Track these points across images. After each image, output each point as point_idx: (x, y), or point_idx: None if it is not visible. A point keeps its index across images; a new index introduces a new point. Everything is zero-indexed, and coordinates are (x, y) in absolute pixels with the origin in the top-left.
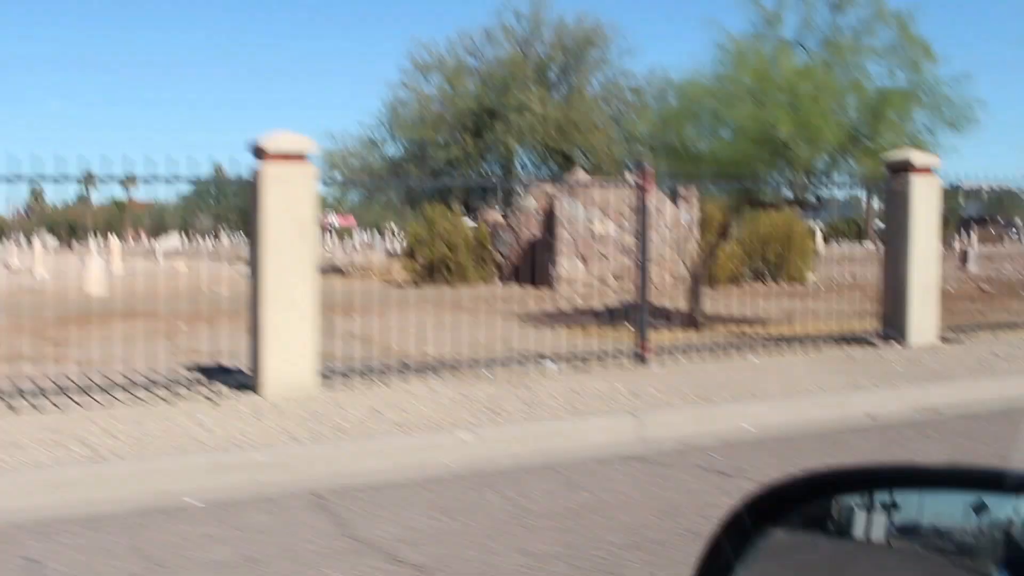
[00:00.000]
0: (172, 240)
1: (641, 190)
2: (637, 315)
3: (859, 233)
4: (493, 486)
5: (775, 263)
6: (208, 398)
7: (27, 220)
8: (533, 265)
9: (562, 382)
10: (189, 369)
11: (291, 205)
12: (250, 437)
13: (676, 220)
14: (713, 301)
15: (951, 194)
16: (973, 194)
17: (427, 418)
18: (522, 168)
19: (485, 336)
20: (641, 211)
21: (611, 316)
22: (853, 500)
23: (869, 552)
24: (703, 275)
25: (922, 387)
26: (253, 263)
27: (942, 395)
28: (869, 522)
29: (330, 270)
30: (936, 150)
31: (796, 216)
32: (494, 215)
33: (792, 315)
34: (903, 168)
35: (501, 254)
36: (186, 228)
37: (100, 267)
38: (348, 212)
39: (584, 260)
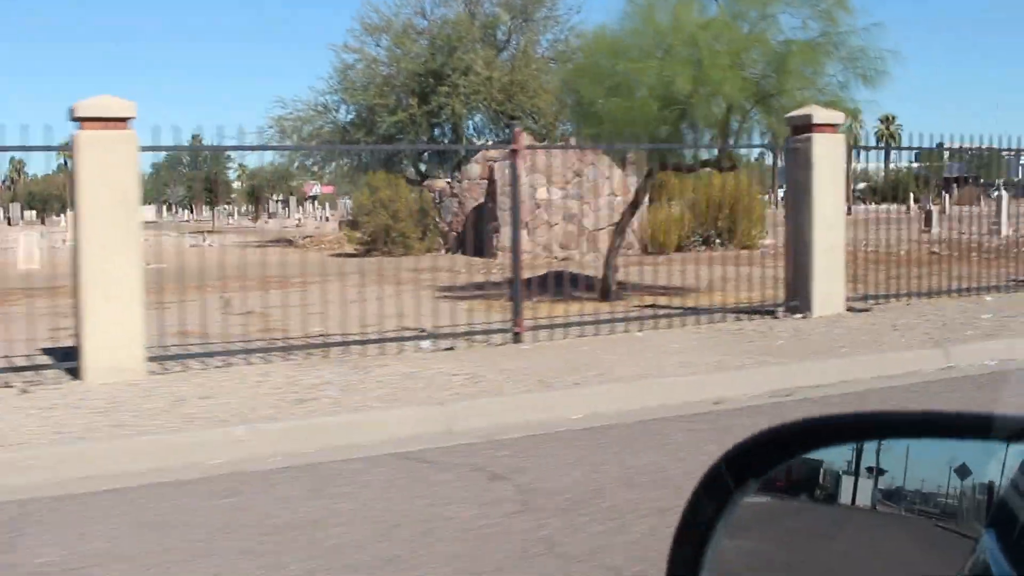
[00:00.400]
0: (147, 212)
1: (513, 154)
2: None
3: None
4: (232, 492)
5: (726, 229)
6: (24, 386)
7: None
8: (477, 234)
9: (414, 363)
10: (44, 351)
11: (108, 173)
12: (21, 432)
13: (624, 186)
14: (650, 269)
15: (933, 154)
16: (955, 154)
17: (229, 410)
18: (475, 133)
19: (387, 311)
20: (513, 178)
21: (528, 288)
22: (838, 465)
23: (854, 516)
24: (619, 244)
25: (792, 366)
26: (76, 237)
27: (808, 375)
28: (854, 486)
29: (282, 242)
30: (852, 105)
31: (748, 180)
32: (440, 183)
33: (720, 283)
34: (805, 126)
35: (447, 223)
36: (158, 199)
37: (33, 241)
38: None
39: (527, 228)
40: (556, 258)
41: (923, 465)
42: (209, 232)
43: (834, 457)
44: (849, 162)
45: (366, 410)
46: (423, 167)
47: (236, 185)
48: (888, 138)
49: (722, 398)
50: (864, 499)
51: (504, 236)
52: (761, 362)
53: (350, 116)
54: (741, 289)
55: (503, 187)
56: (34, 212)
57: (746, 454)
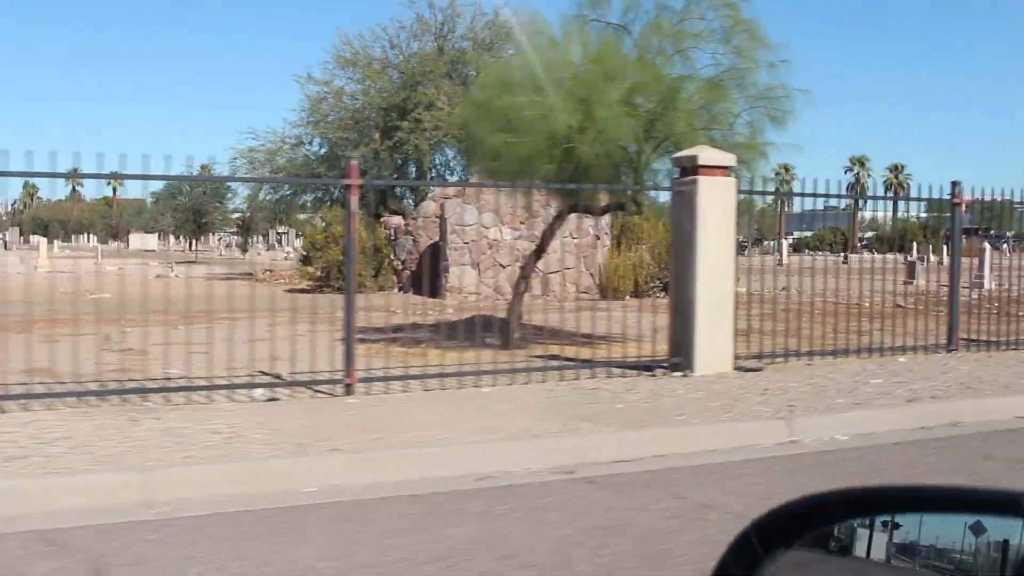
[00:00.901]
0: (150, 240)
1: (346, 189)
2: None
3: (845, 244)
4: None
5: None
6: None
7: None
8: (429, 273)
9: (201, 414)
10: None
11: None
12: None
13: (582, 228)
14: (584, 316)
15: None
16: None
17: None
18: (443, 168)
19: (265, 353)
20: (347, 213)
21: (450, 331)
22: (856, 520)
23: (869, 570)
24: (523, 290)
25: (603, 435)
26: None
27: (611, 447)
28: (871, 541)
29: (244, 275)
30: (762, 147)
31: None
32: (396, 220)
33: (641, 333)
34: (692, 167)
35: (401, 261)
36: (155, 228)
37: None
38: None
39: (478, 268)
40: (504, 300)
41: (938, 521)
42: (193, 263)
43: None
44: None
45: (68, 473)
46: (388, 203)
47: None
48: (897, 187)
49: (491, 474)
50: (879, 553)
51: (454, 276)
52: (574, 430)
53: (323, 149)
54: (659, 341)
55: (454, 225)
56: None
57: (778, 522)
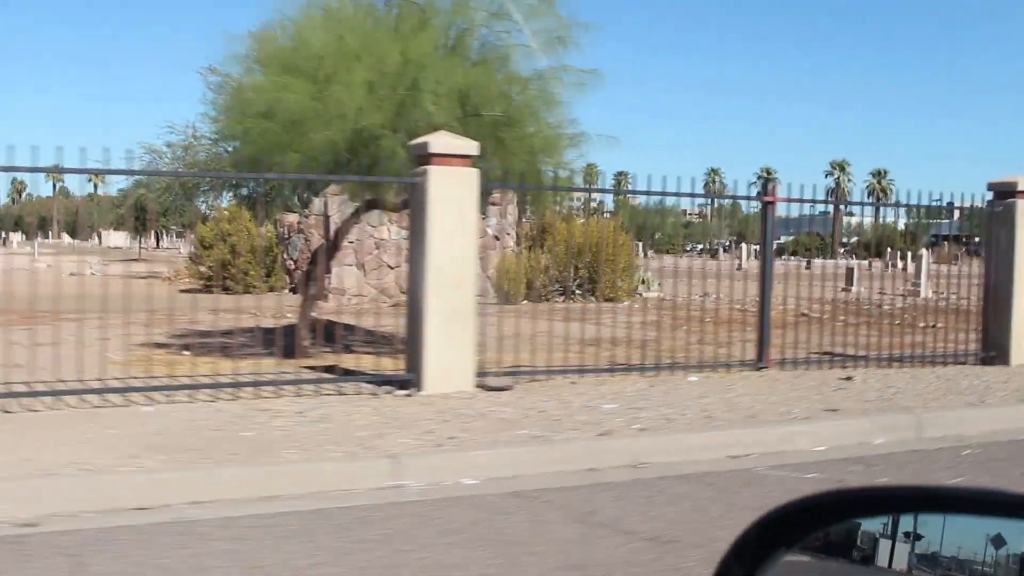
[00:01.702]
0: (117, 238)
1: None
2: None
3: (824, 249)
4: None
5: (587, 279)
6: None
7: None
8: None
9: None
10: None
11: None
12: None
13: (480, 227)
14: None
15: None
16: (940, 211)
17: None
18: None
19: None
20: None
21: (266, 337)
22: (875, 528)
23: None
24: (313, 295)
25: (196, 472)
26: None
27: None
28: (891, 551)
29: (152, 274)
30: (557, 136)
31: (614, 225)
32: (291, 218)
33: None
34: (424, 156)
35: (293, 261)
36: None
37: None
38: None
39: (363, 268)
40: (390, 302)
41: (959, 533)
42: (136, 260)
43: (871, 519)
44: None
45: None
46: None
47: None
48: (880, 192)
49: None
50: (900, 564)
51: (336, 276)
52: (141, 467)
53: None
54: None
55: (337, 223)
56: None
57: (780, 522)
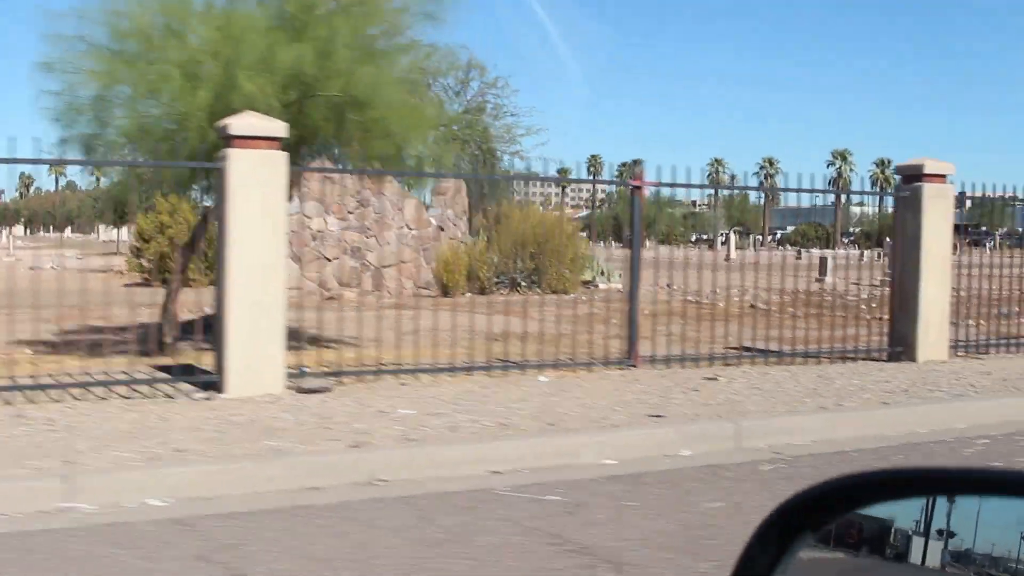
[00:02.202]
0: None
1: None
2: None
3: (827, 239)
4: None
5: (532, 270)
6: None
7: None
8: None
9: None
10: None
11: None
12: None
13: (420, 218)
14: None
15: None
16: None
17: None
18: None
19: None
20: None
21: (142, 333)
22: (907, 525)
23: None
24: (177, 288)
25: None
26: None
27: None
28: (924, 547)
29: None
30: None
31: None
32: None
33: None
34: (227, 139)
35: None
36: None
37: None
38: None
39: (300, 261)
40: (325, 297)
41: (993, 528)
42: (114, 254)
43: (904, 516)
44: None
45: None
46: None
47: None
48: (884, 182)
49: None
50: (933, 560)
51: None
52: None
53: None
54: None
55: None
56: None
57: (803, 506)
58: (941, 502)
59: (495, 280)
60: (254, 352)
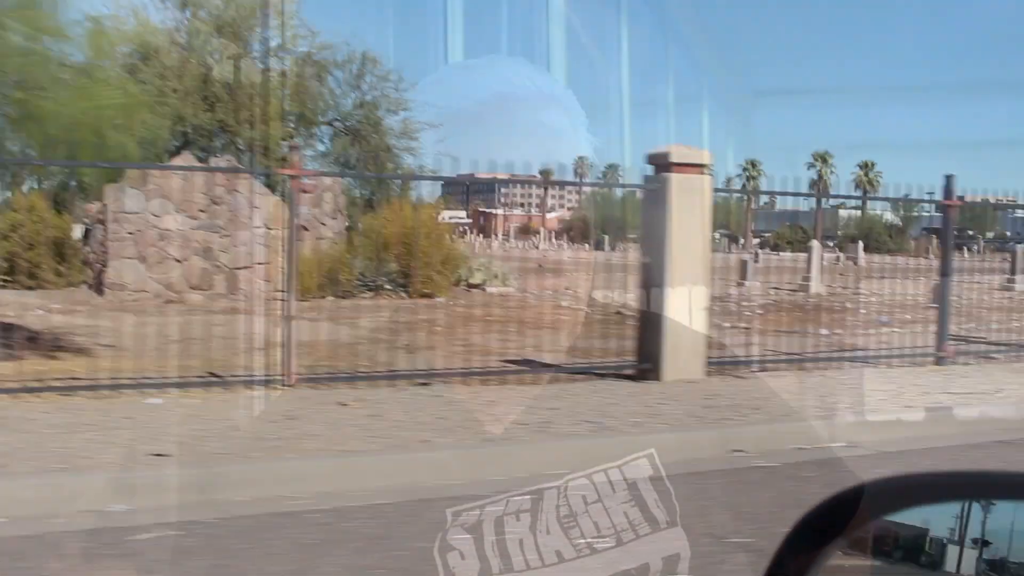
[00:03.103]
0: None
1: None
2: None
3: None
4: None
5: (399, 272)
6: None
7: None
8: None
9: None
10: None
11: None
12: None
13: (279, 216)
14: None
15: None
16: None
17: None
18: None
19: None
20: None
21: None
22: (942, 533)
23: None
24: None
25: None
26: None
27: None
28: (959, 555)
29: None
30: None
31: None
32: (95, 207)
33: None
34: None
35: (95, 253)
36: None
37: None
38: None
39: (145, 262)
40: (176, 298)
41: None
42: None
43: (939, 524)
44: None
45: None
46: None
47: None
48: (867, 185)
49: None
50: (968, 568)
51: (114, 271)
52: None
53: None
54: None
55: (115, 213)
56: None
57: (832, 511)
58: (976, 508)
59: (358, 283)
60: None
